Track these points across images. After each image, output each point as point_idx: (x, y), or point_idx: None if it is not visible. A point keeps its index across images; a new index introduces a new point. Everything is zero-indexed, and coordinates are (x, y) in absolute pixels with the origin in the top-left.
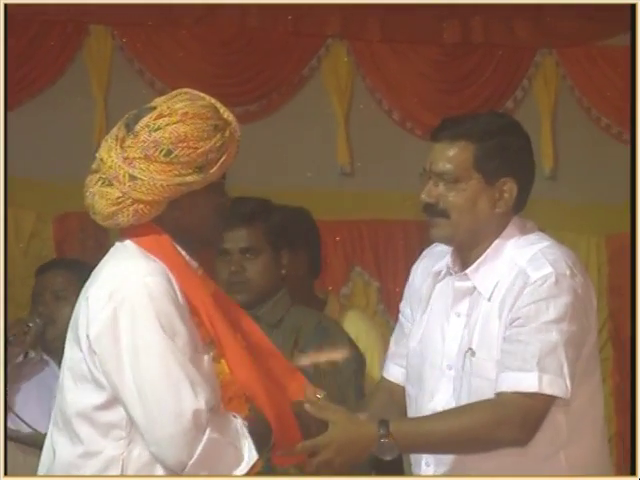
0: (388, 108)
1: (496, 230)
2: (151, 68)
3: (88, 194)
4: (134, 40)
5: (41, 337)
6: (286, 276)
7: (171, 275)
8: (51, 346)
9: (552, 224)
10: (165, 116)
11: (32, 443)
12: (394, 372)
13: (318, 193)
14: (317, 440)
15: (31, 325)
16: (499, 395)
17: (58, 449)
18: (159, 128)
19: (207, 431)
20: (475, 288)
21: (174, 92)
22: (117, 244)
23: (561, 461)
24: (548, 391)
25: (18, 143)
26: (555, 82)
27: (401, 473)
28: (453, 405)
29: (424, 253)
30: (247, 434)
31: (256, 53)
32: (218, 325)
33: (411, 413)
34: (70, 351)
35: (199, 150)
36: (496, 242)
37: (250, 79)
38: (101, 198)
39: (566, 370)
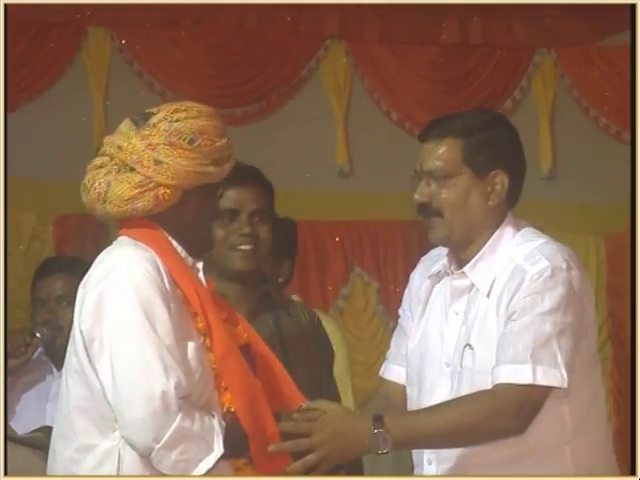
0: (387, 109)
1: (491, 227)
2: (150, 70)
3: (97, 185)
4: (133, 42)
5: (51, 345)
6: None
7: (163, 266)
8: (58, 353)
9: (550, 224)
10: (182, 111)
11: (33, 444)
12: (395, 372)
13: (317, 194)
14: (313, 424)
15: (38, 335)
16: (495, 387)
17: (58, 446)
18: (178, 120)
19: (178, 418)
20: (473, 285)
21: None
22: (114, 241)
23: (566, 456)
24: (543, 382)
25: (18, 144)
26: (554, 82)
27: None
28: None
29: (421, 259)
30: (220, 432)
31: (255, 54)
32: (210, 316)
33: None
34: (69, 346)
35: (217, 144)
36: (492, 239)
37: (249, 80)
38: (121, 183)
39: (560, 360)
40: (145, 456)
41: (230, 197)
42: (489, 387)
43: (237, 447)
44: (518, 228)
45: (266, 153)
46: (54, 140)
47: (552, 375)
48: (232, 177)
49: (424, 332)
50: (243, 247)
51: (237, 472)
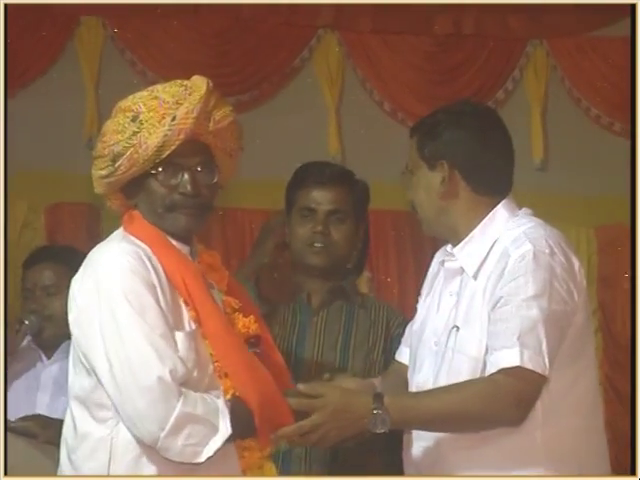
0: (379, 99)
1: (468, 213)
2: (142, 58)
3: None
4: (125, 30)
5: (38, 335)
6: None
7: (153, 256)
8: (48, 342)
9: (541, 214)
10: (110, 117)
11: (22, 432)
12: (405, 353)
13: None
14: (313, 402)
15: (26, 322)
16: (492, 374)
17: (64, 431)
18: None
19: (179, 404)
20: (463, 268)
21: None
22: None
23: (536, 440)
24: (529, 366)
25: (8, 133)
26: (545, 73)
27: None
28: (431, 379)
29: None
30: (227, 413)
31: (247, 43)
32: (199, 304)
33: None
34: (72, 337)
35: (109, 142)
36: (483, 223)
37: (241, 69)
38: None
39: (544, 348)
40: (153, 446)
41: (310, 196)
42: (463, 367)
43: (244, 428)
44: (514, 213)
45: (258, 142)
46: (46, 128)
47: (536, 361)
48: (316, 177)
49: (425, 313)
50: (315, 244)
51: (244, 451)
